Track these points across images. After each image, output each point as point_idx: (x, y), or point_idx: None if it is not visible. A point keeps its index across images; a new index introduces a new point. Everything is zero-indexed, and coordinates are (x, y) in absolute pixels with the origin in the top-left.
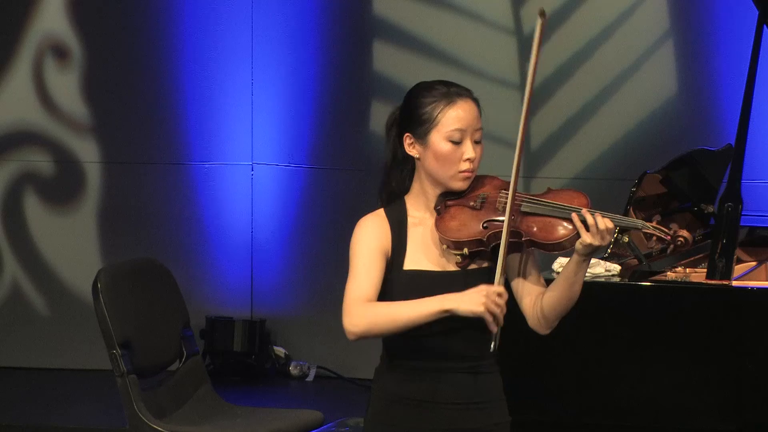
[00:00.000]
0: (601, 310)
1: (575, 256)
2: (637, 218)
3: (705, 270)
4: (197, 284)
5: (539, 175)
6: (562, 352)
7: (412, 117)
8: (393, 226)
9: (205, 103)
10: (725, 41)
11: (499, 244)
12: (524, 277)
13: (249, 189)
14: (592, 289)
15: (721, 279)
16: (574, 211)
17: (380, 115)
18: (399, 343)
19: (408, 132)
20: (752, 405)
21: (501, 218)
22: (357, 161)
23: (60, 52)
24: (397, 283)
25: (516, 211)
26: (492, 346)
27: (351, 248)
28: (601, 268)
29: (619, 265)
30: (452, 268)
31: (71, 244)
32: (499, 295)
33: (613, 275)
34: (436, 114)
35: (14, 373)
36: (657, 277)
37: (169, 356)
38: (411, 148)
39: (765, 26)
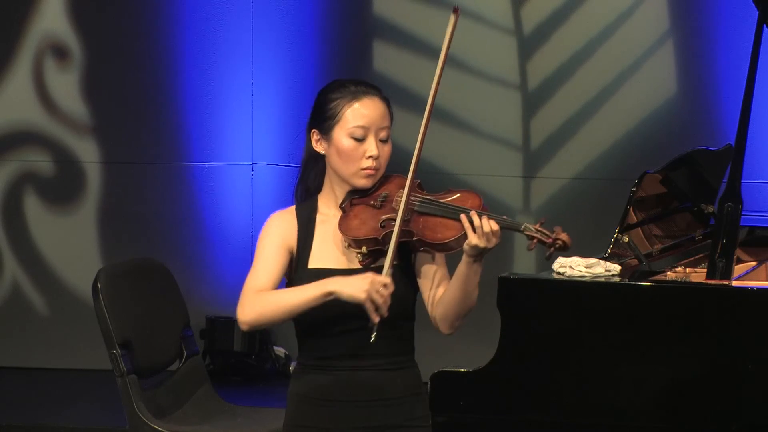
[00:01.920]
0: (601, 310)
1: (464, 257)
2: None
3: (705, 270)
4: (197, 284)
5: (539, 175)
6: (561, 352)
7: (319, 113)
8: (301, 224)
9: (205, 103)
10: (725, 41)
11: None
12: (429, 275)
13: (249, 189)
14: (592, 289)
15: (721, 279)
16: (463, 212)
17: None
18: (308, 345)
19: (315, 128)
20: (752, 405)
21: (396, 217)
22: None
23: (60, 52)
24: (301, 281)
25: (411, 211)
26: (373, 336)
27: (257, 244)
28: (601, 268)
29: (619, 265)
30: (356, 266)
31: (71, 244)
32: (385, 285)
33: (613, 275)
34: (339, 110)
35: (14, 373)
36: (657, 277)
37: (169, 356)
38: (318, 145)
39: (765, 26)
